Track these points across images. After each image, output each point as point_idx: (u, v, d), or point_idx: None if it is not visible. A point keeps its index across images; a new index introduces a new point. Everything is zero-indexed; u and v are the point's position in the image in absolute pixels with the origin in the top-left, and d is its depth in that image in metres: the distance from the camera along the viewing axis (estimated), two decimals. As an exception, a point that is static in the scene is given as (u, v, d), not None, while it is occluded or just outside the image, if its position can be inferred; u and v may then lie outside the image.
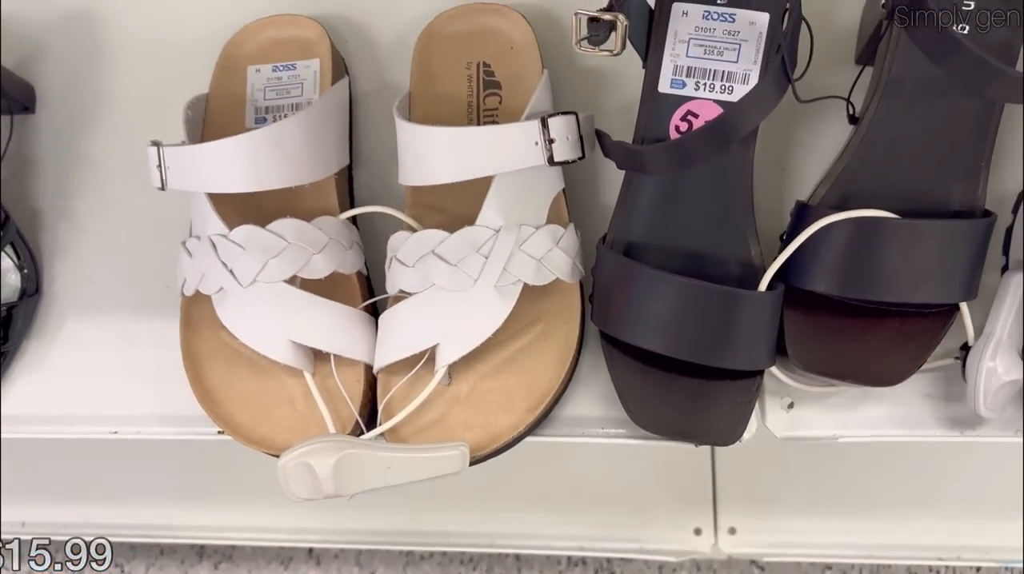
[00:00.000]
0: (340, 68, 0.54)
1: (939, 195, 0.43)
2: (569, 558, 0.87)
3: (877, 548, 0.71)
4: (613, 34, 0.39)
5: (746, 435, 0.46)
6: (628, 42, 0.42)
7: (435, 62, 0.52)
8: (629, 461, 0.73)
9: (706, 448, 0.73)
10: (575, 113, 0.45)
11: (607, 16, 0.38)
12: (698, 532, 0.72)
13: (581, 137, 0.46)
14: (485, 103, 0.51)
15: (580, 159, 0.46)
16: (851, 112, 0.46)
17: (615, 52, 0.39)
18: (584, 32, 0.38)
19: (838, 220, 0.41)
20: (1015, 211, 0.47)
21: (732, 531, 0.72)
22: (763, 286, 0.42)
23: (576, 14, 0.38)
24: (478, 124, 0.51)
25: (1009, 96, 0.39)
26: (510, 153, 0.43)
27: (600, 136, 0.45)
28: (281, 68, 0.53)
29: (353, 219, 0.50)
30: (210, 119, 0.52)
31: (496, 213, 0.44)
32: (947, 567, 0.83)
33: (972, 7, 0.42)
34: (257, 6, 0.56)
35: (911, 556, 0.70)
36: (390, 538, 0.80)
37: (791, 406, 0.47)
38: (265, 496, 0.76)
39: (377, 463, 0.42)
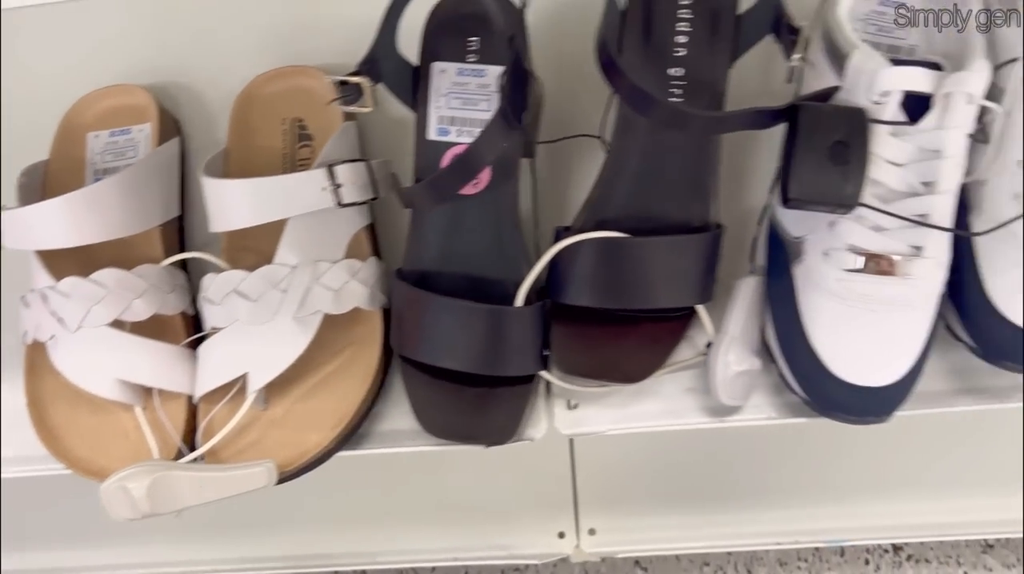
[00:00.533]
0: (172, 129, 0.59)
1: (678, 215, 0.50)
2: (467, 570, 0.92)
3: (729, 537, 0.77)
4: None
5: (537, 434, 0.52)
6: (397, 96, 0.49)
7: (253, 119, 0.57)
8: (495, 471, 0.78)
9: (566, 453, 0.79)
10: (365, 160, 0.51)
11: (353, 80, 0.44)
12: (562, 535, 0.77)
13: (374, 180, 0.52)
14: (299, 154, 0.57)
15: (373, 200, 0.52)
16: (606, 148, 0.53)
17: (369, 109, 0.45)
18: (337, 93, 0.44)
19: (575, 242, 0.47)
20: (759, 223, 0.53)
21: (592, 532, 0.77)
22: (519, 302, 0.48)
23: (327, 77, 0.44)
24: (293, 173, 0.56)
25: (707, 134, 0.45)
26: (300, 199, 0.49)
27: (393, 179, 0.51)
28: (118, 133, 0.59)
29: (183, 264, 0.56)
30: (51, 182, 0.58)
31: (291, 252, 0.49)
32: (813, 552, 0.89)
33: (684, 53, 0.48)
34: (103, 77, 0.61)
35: (752, 544, 0.76)
36: (282, 564, 0.84)
37: (575, 406, 0.53)
38: (158, 531, 0.80)
39: (190, 482, 0.47)
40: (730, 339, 0.48)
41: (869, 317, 0.45)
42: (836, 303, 0.46)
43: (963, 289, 0.47)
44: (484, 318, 0.48)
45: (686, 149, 0.49)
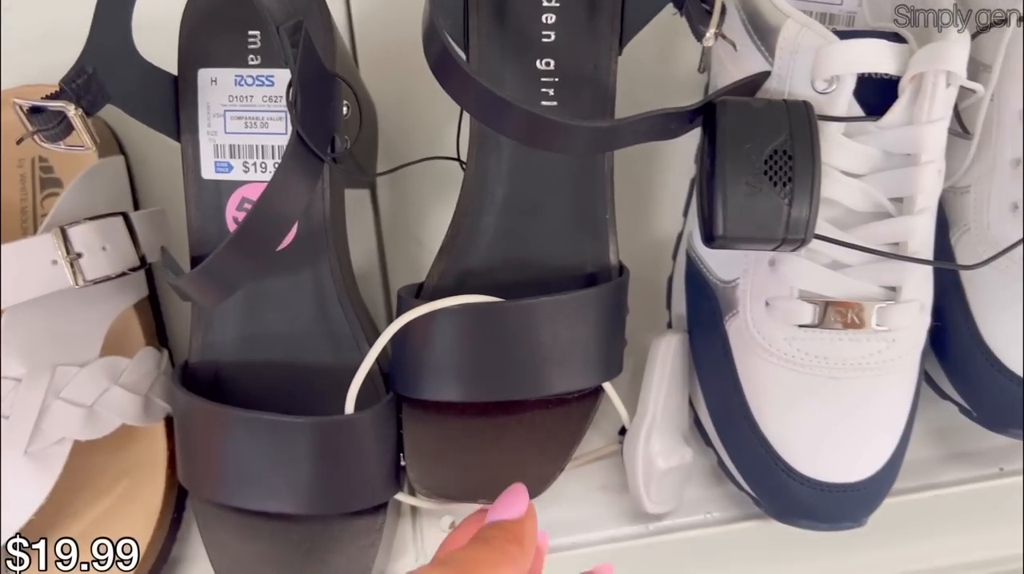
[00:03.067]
0: None
1: (568, 259, 0.36)
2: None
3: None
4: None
5: (403, 571, 0.38)
6: (145, 122, 0.34)
7: (-25, 163, 0.41)
8: None
9: None
10: (122, 213, 0.36)
11: (54, 104, 0.29)
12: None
13: (136, 241, 0.37)
14: (43, 206, 0.41)
15: (140, 269, 0.37)
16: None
17: (87, 147, 0.30)
18: (31, 126, 0.29)
19: (425, 313, 0.33)
20: (674, 258, 0.41)
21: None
22: (349, 406, 0.34)
23: (15, 103, 0.29)
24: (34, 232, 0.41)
25: (594, 151, 0.32)
26: (18, 280, 0.34)
27: (163, 254, 0.36)
28: None
29: None
30: None
31: (14, 357, 0.34)
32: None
33: (555, 37, 0.35)
34: None
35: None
36: None
37: (452, 525, 0.39)
38: None
39: None
40: (650, 425, 0.36)
41: (834, 388, 0.33)
42: (788, 371, 0.33)
43: (949, 335, 0.35)
44: (305, 437, 0.33)
45: (568, 168, 0.36)
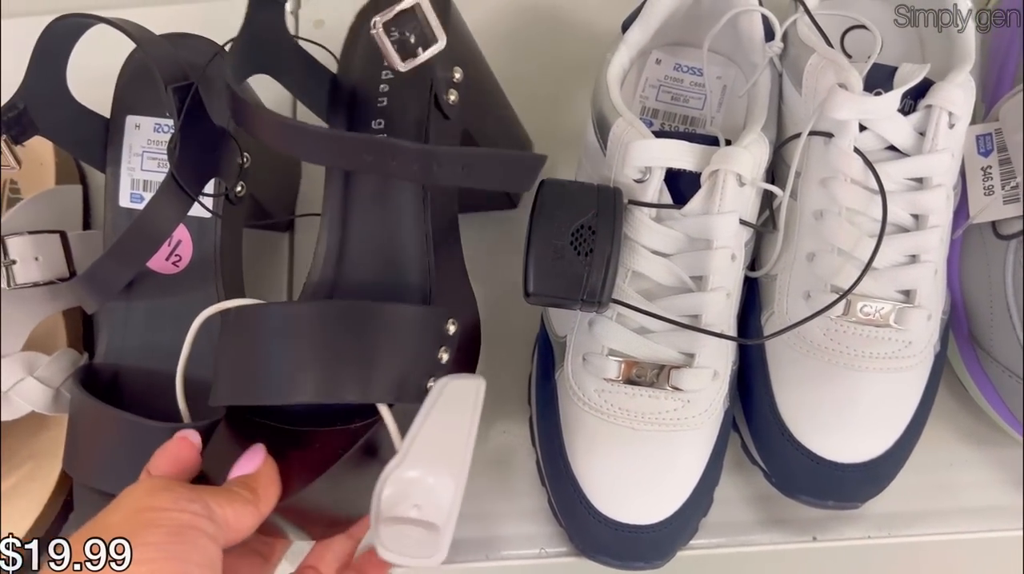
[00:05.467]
0: None
1: (399, 292, 0.39)
2: None
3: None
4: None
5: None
6: (73, 153, 0.40)
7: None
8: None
9: None
10: (59, 231, 0.43)
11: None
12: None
13: (69, 255, 0.43)
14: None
15: (67, 279, 0.43)
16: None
17: (14, 167, 0.36)
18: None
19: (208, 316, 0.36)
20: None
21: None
22: (183, 413, 0.38)
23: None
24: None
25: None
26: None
27: None
28: None
29: None
30: None
31: (-54, 344, 0.40)
32: None
33: (385, 103, 0.40)
34: None
35: None
36: None
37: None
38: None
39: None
40: (395, 464, 0.32)
41: (634, 438, 0.37)
42: (596, 420, 0.37)
43: (755, 406, 0.39)
44: (161, 439, 0.38)
45: (398, 208, 0.39)
